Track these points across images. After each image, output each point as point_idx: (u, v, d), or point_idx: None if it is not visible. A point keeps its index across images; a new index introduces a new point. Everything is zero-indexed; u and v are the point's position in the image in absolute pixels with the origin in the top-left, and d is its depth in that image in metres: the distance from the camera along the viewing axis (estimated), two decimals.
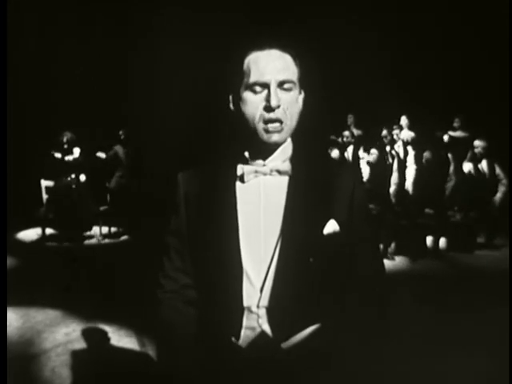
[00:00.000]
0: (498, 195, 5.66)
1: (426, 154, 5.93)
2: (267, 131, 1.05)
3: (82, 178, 6.36)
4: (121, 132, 6.85)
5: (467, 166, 5.92)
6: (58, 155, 6.36)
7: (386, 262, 5.14)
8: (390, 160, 6.23)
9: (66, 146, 6.33)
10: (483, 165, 5.83)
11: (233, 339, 1.10)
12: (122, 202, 6.59)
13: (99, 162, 6.76)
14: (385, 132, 6.39)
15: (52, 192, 6.24)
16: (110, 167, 6.79)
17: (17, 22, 6.78)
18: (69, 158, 6.39)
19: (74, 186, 6.26)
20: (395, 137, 6.77)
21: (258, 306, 1.08)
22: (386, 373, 1.12)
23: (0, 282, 2.10)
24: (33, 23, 7.81)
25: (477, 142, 5.87)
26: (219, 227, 1.10)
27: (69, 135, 6.35)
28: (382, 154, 6.04)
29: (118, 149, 6.86)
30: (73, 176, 6.30)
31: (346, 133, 6.80)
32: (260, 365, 1.09)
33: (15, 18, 6.51)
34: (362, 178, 1.18)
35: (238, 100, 1.08)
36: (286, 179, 1.11)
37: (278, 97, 1.03)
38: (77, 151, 6.43)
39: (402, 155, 6.09)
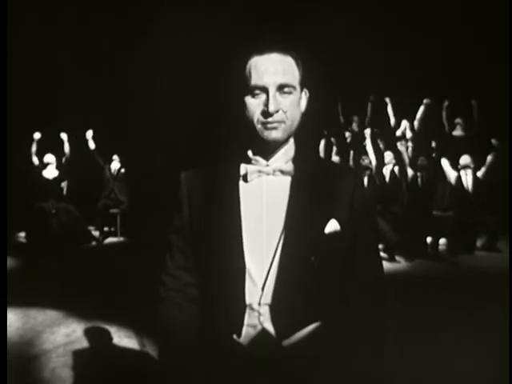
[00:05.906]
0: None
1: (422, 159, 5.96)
2: (266, 128, 1.06)
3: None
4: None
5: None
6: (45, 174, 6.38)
7: (387, 263, 5.14)
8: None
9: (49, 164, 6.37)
10: (468, 180, 5.87)
11: (234, 336, 1.10)
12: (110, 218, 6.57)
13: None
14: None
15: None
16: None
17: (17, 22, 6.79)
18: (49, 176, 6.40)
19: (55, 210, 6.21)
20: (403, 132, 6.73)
21: (259, 304, 1.09)
22: (385, 372, 1.12)
23: (0, 283, 2.10)
24: (31, 29, 7.83)
25: (463, 159, 5.91)
26: (222, 226, 1.10)
27: (51, 157, 6.41)
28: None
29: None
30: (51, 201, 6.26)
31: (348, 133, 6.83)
32: (261, 362, 1.09)
33: (15, 18, 6.51)
34: (362, 179, 1.19)
35: (239, 103, 1.09)
36: (288, 179, 1.12)
37: (276, 101, 1.04)
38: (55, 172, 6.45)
39: (405, 156, 6.07)
